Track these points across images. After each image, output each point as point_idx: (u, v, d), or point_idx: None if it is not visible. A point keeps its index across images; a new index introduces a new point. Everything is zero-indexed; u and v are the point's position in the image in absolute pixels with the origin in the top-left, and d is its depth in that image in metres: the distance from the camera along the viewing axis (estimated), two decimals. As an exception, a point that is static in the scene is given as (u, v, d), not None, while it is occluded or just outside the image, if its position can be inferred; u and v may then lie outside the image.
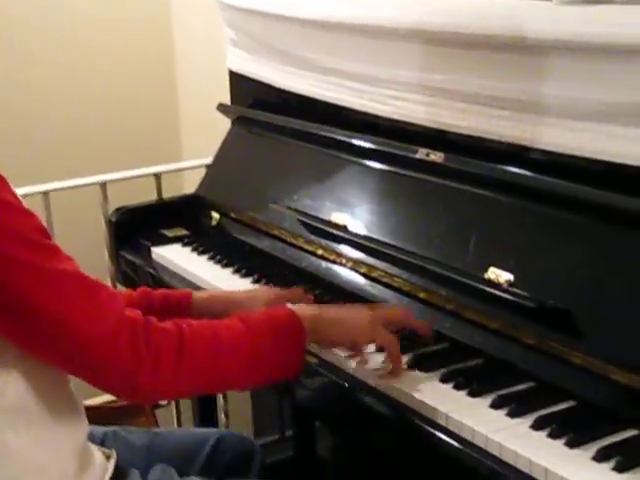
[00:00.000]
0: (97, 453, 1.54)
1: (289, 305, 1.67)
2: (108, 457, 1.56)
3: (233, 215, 2.40)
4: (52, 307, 1.31)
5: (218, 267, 2.22)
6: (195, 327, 1.45)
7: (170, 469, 1.63)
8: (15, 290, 1.29)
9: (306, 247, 2.11)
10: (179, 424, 2.96)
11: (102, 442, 1.67)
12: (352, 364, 1.64)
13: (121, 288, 2.48)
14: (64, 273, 1.34)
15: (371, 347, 1.65)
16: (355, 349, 1.63)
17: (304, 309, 1.60)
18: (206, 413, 2.65)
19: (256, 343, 1.48)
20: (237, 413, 3.02)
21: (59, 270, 1.33)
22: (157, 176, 2.84)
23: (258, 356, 1.48)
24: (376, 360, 1.63)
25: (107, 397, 2.28)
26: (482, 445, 1.38)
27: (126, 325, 1.37)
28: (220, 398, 2.91)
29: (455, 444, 1.41)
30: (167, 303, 1.77)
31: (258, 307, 1.81)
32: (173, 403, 2.87)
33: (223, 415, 2.94)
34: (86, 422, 1.53)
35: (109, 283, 2.62)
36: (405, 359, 1.63)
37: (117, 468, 1.55)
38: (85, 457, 1.49)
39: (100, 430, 1.74)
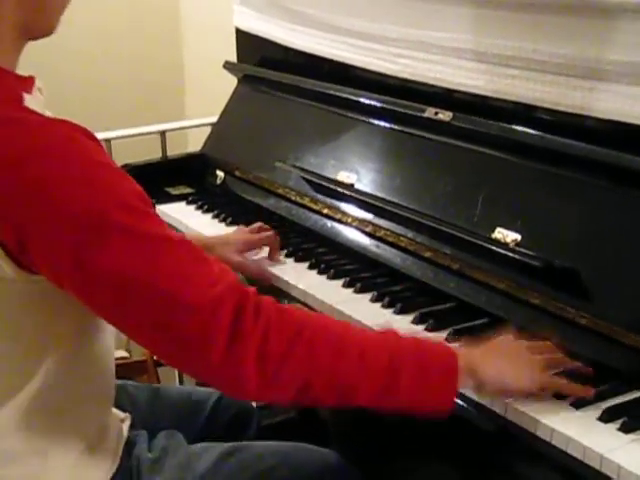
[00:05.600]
0: (114, 417, 1.52)
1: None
2: (122, 420, 1.54)
3: (238, 174, 2.39)
4: (156, 272, 1.18)
5: (222, 225, 2.21)
6: (324, 318, 1.29)
7: (177, 434, 1.59)
8: (112, 257, 1.17)
9: (311, 206, 2.10)
10: (181, 382, 2.96)
11: None
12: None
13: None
14: (171, 239, 1.23)
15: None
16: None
17: (457, 348, 1.38)
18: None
19: (396, 361, 1.26)
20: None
21: (165, 235, 1.22)
22: (162, 134, 2.83)
23: (395, 376, 1.26)
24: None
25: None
26: (488, 405, 1.38)
27: (236, 294, 1.21)
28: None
29: (461, 403, 1.39)
30: None
31: (231, 251, 1.86)
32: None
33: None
34: (113, 394, 1.49)
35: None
36: (411, 317, 1.64)
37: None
38: (106, 424, 1.47)
39: None
